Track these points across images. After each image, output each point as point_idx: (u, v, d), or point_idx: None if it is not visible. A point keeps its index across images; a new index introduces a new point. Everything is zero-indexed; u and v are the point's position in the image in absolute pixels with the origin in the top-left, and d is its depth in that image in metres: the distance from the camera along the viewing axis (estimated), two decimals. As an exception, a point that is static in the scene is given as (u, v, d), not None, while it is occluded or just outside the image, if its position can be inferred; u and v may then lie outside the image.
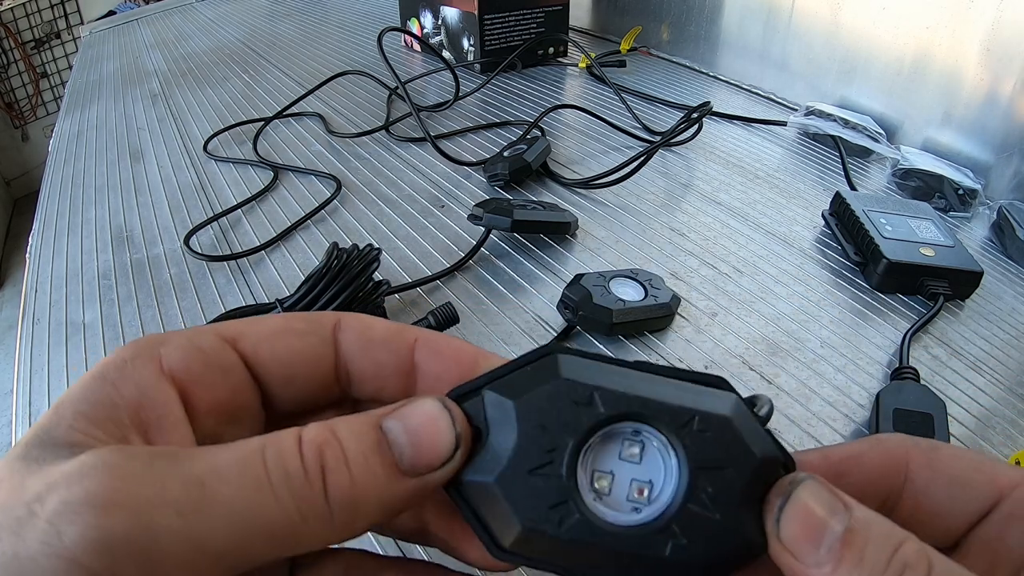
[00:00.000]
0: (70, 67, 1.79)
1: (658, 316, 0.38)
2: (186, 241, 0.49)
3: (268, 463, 0.13)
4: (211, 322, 0.35)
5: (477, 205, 0.47)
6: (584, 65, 0.84)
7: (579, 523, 0.14)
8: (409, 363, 0.17)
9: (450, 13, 0.82)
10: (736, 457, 0.15)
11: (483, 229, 0.46)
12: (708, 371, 0.23)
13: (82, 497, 0.12)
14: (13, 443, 0.34)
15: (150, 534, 0.12)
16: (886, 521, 0.14)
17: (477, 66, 0.82)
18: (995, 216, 0.50)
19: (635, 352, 0.37)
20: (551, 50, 0.86)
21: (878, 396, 0.33)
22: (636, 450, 0.15)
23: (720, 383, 0.16)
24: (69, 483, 0.12)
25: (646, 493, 0.15)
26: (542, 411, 0.15)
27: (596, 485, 0.15)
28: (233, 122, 0.70)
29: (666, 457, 0.15)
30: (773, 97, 0.76)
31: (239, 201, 0.54)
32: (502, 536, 0.15)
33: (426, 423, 0.14)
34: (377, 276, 0.38)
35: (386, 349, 0.17)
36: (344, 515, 0.13)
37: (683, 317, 0.40)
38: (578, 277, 0.39)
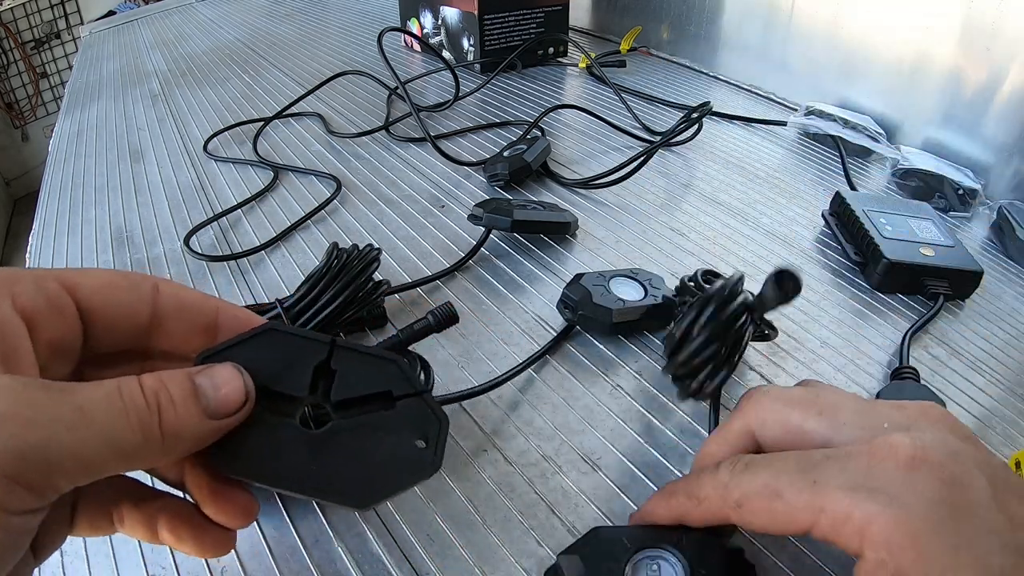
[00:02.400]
0: (70, 67, 1.79)
1: (658, 316, 0.38)
2: (186, 241, 0.49)
3: (124, 398, 0.17)
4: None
5: (477, 205, 0.47)
6: (584, 65, 0.84)
7: None
8: (213, 325, 0.22)
9: (450, 13, 0.82)
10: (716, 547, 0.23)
11: (483, 229, 0.46)
12: None
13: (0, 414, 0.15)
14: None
15: (50, 445, 0.15)
16: None
17: (477, 66, 0.82)
18: (995, 216, 0.50)
19: (635, 351, 0.38)
20: (551, 50, 0.86)
21: (878, 396, 0.33)
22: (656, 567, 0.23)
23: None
24: None
25: None
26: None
27: None
28: (233, 122, 0.70)
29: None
30: (773, 97, 0.76)
31: (239, 201, 0.54)
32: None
33: (226, 380, 0.19)
34: (377, 276, 0.38)
35: (196, 312, 0.22)
36: (169, 441, 0.18)
37: (683, 317, 0.40)
38: (578, 277, 0.39)
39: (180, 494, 0.22)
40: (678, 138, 0.62)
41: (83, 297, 0.20)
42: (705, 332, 0.28)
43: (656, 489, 0.30)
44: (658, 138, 0.62)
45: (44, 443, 0.15)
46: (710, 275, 0.39)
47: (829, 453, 0.20)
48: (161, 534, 0.21)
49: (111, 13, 2.28)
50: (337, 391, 0.21)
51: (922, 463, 0.18)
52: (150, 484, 0.22)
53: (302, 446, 0.20)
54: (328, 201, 0.54)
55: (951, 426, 0.21)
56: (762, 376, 0.36)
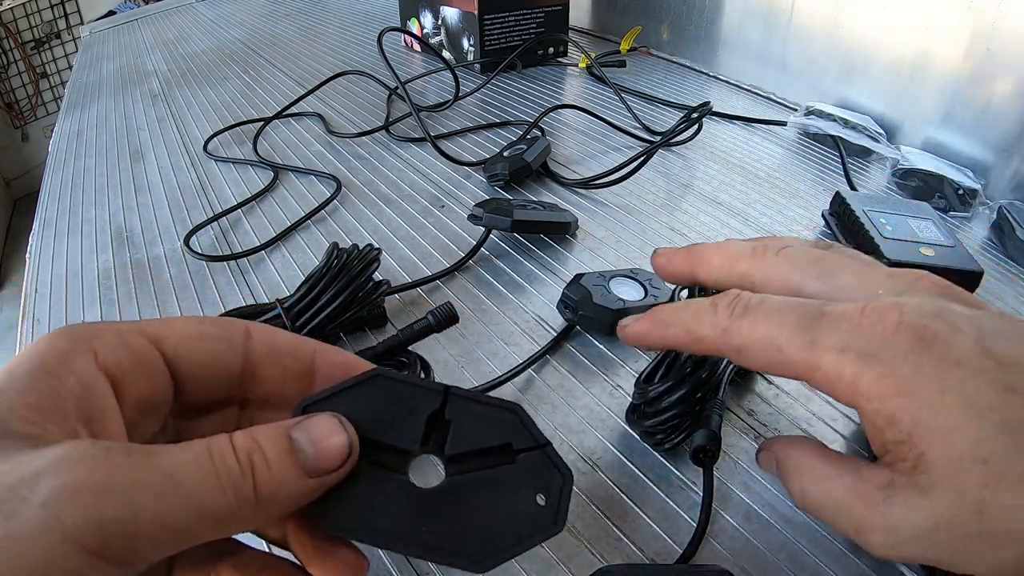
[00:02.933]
0: (70, 67, 1.79)
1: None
2: (186, 241, 0.49)
3: (215, 461, 0.16)
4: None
5: (477, 205, 0.47)
6: (584, 65, 0.84)
7: None
8: (309, 370, 0.21)
9: (450, 13, 0.82)
10: None
11: (483, 229, 0.46)
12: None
13: (77, 484, 0.14)
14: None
15: (133, 514, 0.14)
16: None
17: (477, 66, 0.82)
18: (995, 216, 0.50)
19: (635, 351, 0.37)
20: (551, 50, 0.86)
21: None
22: None
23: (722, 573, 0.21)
24: (58, 472, 0.14)
25: None
26: None
27: None
28: (233, 122, 0.70)
29: None
30: (773, 97, 0.76)
31: (239, 201, 0.54)
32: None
33: (325, 434, 0.18)
34: (377, 276, 0.38)
35: (291, 357, 0.21)
36: (265, 504, 0.16)
37: (683, 317, 0.40)
38: (578, 277, 0.39)
39: (283, 553, 0.21)
40: (678, 138, 0.62)
41: (169, 349, 0.19)
42: (676, 407, 0.30)
43: (659, 491, 0.30)
44: (658, 138, 0.62)
45: (127, 513, 0.14)
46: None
47: (826, 309, 0.21)
48: None
49: (111, 13, 2.28)
50: (452, 444, 0.19)
51: (906, 327, 0.19)
52: (250, 544, 0.21)
53: (413, 503, 0.18)
54: (328, 201, 0.54)
55: (942, 291, 0.22)
56: (762, 376, 0.36)
